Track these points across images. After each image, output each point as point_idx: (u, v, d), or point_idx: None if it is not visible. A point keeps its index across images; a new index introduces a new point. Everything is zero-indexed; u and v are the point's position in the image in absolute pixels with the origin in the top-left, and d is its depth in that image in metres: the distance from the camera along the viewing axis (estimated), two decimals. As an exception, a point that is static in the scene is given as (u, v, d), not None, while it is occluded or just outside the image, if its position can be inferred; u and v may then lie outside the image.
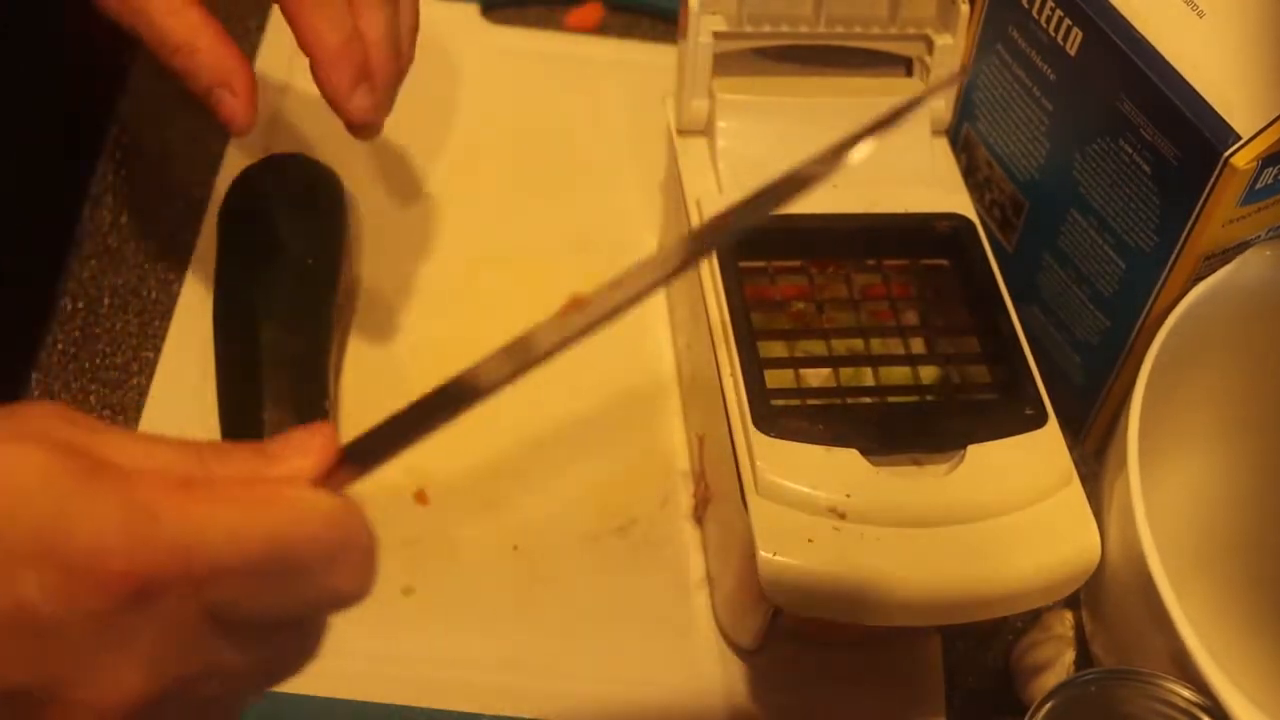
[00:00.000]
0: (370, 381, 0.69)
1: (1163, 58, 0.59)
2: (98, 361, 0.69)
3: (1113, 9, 0.60)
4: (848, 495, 0.54)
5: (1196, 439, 0.67)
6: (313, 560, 0.36)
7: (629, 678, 0.61)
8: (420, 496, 0.65)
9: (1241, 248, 0.62)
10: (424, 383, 0.37)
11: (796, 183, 0.38)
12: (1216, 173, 0.57)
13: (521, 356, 0.37)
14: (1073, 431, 0.67)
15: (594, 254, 0.74)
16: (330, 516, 0.36)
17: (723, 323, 0.59)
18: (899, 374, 0.60)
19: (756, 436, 0.55)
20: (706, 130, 0.66)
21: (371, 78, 0.56)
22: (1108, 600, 0.59)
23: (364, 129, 0.58)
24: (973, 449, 0.55)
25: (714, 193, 0.64)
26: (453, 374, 0.38)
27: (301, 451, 0.37)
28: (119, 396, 0.67)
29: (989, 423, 0.56)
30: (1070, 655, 0.61)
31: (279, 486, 0.36)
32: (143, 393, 0.67)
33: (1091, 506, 0.56)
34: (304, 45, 0.55)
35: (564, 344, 0.37)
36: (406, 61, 0.60)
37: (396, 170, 0.78)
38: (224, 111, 0.56)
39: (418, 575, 0.63)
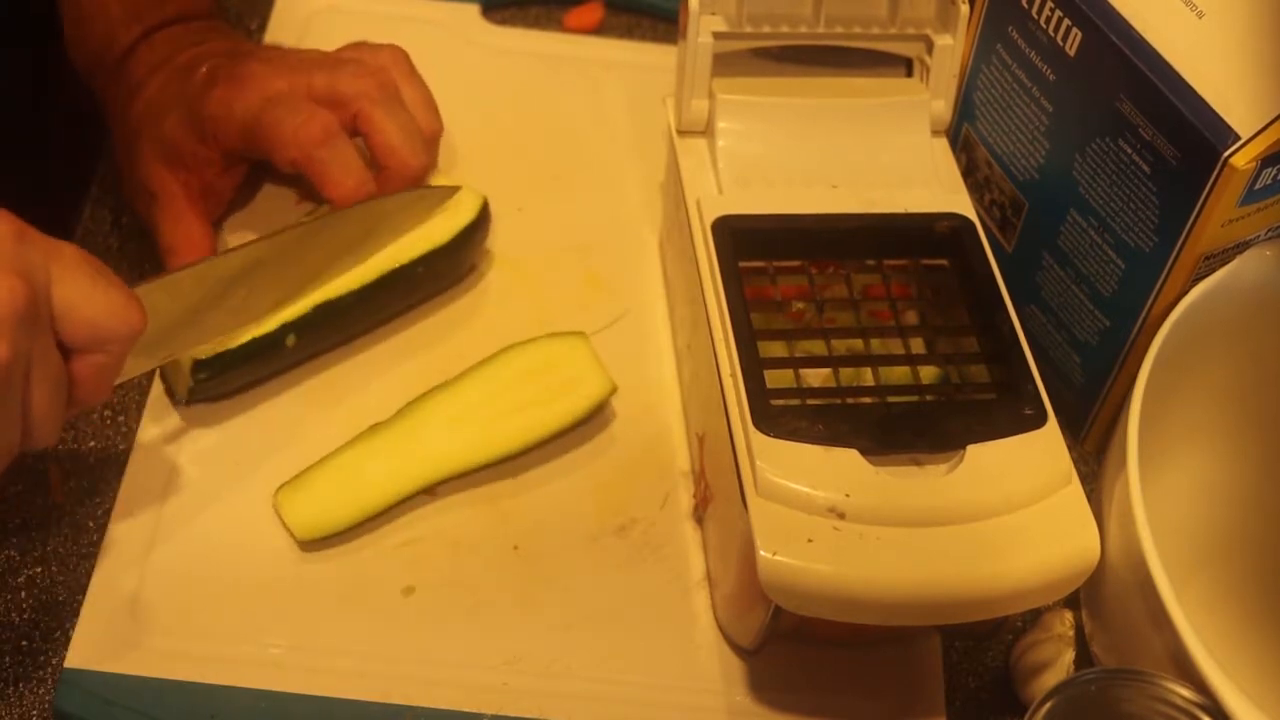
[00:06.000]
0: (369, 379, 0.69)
1: (1162, 58, 0.59)
2: (98, 361, 0.69)
3: (1112, 9, 0.60)
4: (847, 495, 0.54)
5: (1196, 439, 0.67)
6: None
7: (629, 678, 0.61)
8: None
9: (1241, 248, 0.62)
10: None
11: None
12: (1216, 173, 0.57)
13: None
14: (1073, 431, 0.67)
15: (594, 254, 0.74)
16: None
17: (723, 323, 0.59)
18: (899, 374, 0.60)
19: (756, 436, 0.55)
20: (706, 130, 0.66)
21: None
22: (1107, 600, 0.59)
23: None
24: (972, 449, 0.56)
25: (714, 193, 0.64)
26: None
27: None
28: (120, 395, 0.67)
29: (989, 423, 0.56)
30: (1070, 655, 0.61)
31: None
32: (144, 391, 0.67)
33: (1091, 506, 0.56)
34: (324, 191, 0.66)
35: None
36: (434, 132, 0.70)
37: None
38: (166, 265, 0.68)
39: (418, 575, 0.63)
